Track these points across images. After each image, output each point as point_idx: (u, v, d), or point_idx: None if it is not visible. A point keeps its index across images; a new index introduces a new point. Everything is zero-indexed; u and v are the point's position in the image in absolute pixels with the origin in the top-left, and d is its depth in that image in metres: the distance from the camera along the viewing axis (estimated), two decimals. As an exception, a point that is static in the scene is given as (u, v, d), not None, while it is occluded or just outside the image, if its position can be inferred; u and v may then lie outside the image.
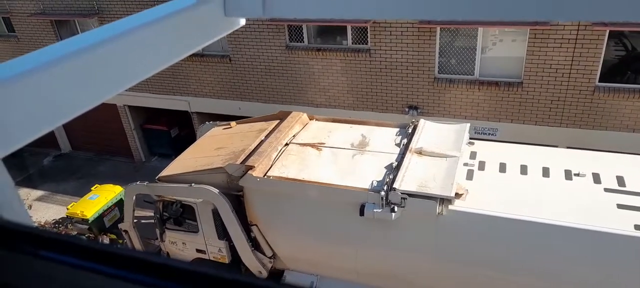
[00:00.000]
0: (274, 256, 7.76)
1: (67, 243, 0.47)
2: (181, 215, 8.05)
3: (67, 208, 11.45)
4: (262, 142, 7.86)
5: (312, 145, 7.75)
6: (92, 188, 11.88)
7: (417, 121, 7.90)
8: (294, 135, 8.10)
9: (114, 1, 12.86)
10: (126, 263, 0.45)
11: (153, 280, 0.43)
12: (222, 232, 7.66)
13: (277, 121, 8.61)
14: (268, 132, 8.21)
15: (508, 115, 10.61)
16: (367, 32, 10.99)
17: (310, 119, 8.77)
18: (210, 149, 8.39)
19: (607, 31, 9.25)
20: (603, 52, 9.45)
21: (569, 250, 5.77)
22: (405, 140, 7.40)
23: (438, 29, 10.31)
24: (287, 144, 7.84)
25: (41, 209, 13.47)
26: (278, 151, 7.59)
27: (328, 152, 7.53)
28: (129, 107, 14.69)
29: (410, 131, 7.64)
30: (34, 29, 14.38)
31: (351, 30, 11.20)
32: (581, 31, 9.34)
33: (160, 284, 0.43)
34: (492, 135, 10.79)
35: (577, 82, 9.80)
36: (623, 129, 9.83)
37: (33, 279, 0.47)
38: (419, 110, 11.18)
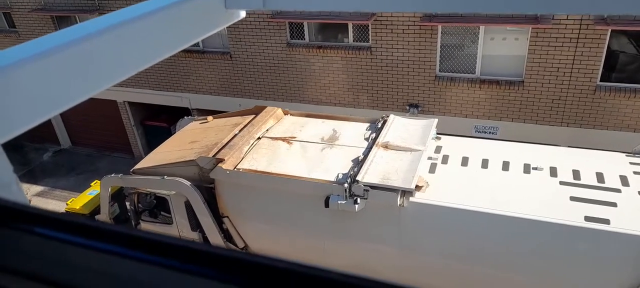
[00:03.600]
0: (245, 248, 7.89)
1: (64, 221, 0.48)
2: (155, 207, 8.17)
3: (67, 204, 11.45)
4: (235, 135, 7.99)
5: (284, 139, 7.88)
6: (92, 184, 11.87)
7: (387, 116, 8.04)
8: (267, 130, 8.25)
9: (114, -3, 12.86)
10: (120, 240, 0.45)
11: (145, 255, 0.44)
12: (195, 224, 7.79)
13: (253, 116, 8.72)
14: (242, 126, 8.32)
15: (509, 114, 10.61)
16: (369, 30, 10.98)
17: (285, 114, 8.90)
18: (185, 142, 8.53)
19: (609, 30, 9.24)
20: (604, 52, 9.45)
21: (521, 240, 5.99)
22: (373, 135, 7.57)
23: (439, 27, 10.30)
24: (259, 138, 7.98)
25: (40, 204, 13.47)
26: (250, 144, 7.75)
27: (298, 146, 7.68)
28: (129, 103, 14.70)
29: (379, 126, 7.82)
30: (35, 24, 14.38)
31: (352, 27, 11.19)
32: (583, 30, 9.33)
33: (151, 259, 0.44)
34: (492, 133, 10.79)
35: (579, 81, 9.80)
36: (624, 129, 9.83)
37: (31, 256, 0.48)
38: (419, 108, 11.18)
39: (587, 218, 5.75)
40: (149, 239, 0.44)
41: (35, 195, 14.04)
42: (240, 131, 8.13)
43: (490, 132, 10.85)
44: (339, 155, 7.27)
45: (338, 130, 7.96)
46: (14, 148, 15.26)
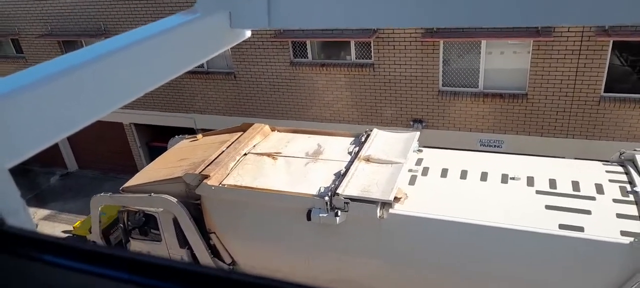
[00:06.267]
0: (233, 263, 7.91)
1: (73, 249, 0.47)
2: (144, 225, 8.23)
3: (73, 227, 11.47)
4: (222, 152, 8.08)
5: (269, 155, 7.96)
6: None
7: (370, 131, 8.15)
8: (253, 146, 8.34)
9: (121, 21, 13.04)
10: (130, 266, 0.45)
11: (157, 282, 0.44)
12: (183, 240, 7.84)
13: (240, 132, 8.82)
14: (230, 143, 8.41)
15: (513, 127, 10.58)
16: (371, 47, 11.05)
17: (273, 130, 9.00)
18: (174, 160, 8.65)
19: (611, 41, 9.25)
20: (607, 62, 9.44)
21: (495, 249, 6.08)
22: (356, 149, 7.66)
23: (441, 42, 10.35)
24: (245, 154, 8.06)
25: (47, 228, 13.49)
26: (236, 161, 7.83)
27: (283, 161, 7.77)
28: (135, 125, 14.79)
29: (362, 140, 7.92)
30: (42, 49, 14.58)
31: (355, 45, 11.27)
32: (585, 42, 9.35)
33: (163, 285, 0.43)
34: (497, 146, 10.75)
35: (582, 92, 9.77)
36: (630, 139, 9.76)
37: (39, 284, 0.47)
38: (423, 124, 11.17)
39: (562, 226, 5.82)
40: (160, 265, 0.44)
41: (42, 219, 14.07)
42: (227, 148, 8.22)
43: (495, 145, 10.80)
44: (322, 169, 7.36)
45: (323, 145, 8.07)
46: (22, 172, 15.34)
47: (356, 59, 11.37)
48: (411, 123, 11.27)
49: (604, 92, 9.69)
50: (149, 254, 0.48)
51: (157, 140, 15.22)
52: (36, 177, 16.19)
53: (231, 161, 7.76)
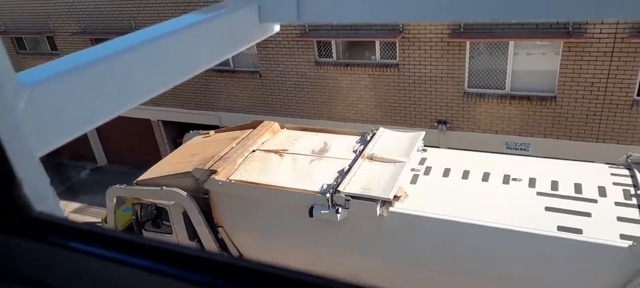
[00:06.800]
0: (240, 257, 7.91)
1: (100, 236, 0.48)
2: (157, 217, 8.46)
3: (101, 220, 11.78)
4: (231, 148, 8.24)
5: (276, 152, 8.08)
6: (126, 200, 12.18)
7: (376, 129, 8.18)
8: (262, 143, 8.49)
9: (151, 20, 13.34)
10: (156, 255, 0.45)
11: (180, 271, 0.44)
12: (193, 233, 8.02)
13: (250, 129, 8.97)
14: (240, 139, 8.57)
15: (541, 130, 10.36)
16: (396, 47, 10.99)
17: (282, 128, 9.12)
18: (186, 155, 8.85)
19: (646, 43, 8.95)
20: (641, 65, 9.15)
21: (493, 249, 6.04)
22: (361, 147, 7.71)
23: (467, 42, 10.22)
24: (253, 151, 8.21)
25: (77, 220, 13.90)
26: (244, 157, 7.99)
27: (289, 158, 7.88)
28: (163, 121, 15.11)
29: (368, 139, 7.95)
30: (75, 47, 15.04)
31: (379, 45, 11.23)
32: (618, 44, 9.08)
33: (187, 276, 0.43)
34: (524, 150, 10.54)
35: (614, 96, 9.49)
36: (664, 145, 9.43)
37: (66, 271, 0.48)
38: (448, 125, 11.05)
39: (560, 228, 5.74)
40: (196, 256, 0.44)
41: (72, 212, 14.52)
42: (237, 144, 8.40)
43: (521, 149, 10.60)
44: (326, 166, 7.43)
45: (329, 143, 8.14)
46: (54, 166, 15.86)
47: (381, 59, 11.33)
48: (435, 124, 11.16)
49: (637, 95, 9.39)
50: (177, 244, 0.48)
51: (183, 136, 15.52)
52: (67, 170, 16.71)
53: (239, 157, 7.95)
